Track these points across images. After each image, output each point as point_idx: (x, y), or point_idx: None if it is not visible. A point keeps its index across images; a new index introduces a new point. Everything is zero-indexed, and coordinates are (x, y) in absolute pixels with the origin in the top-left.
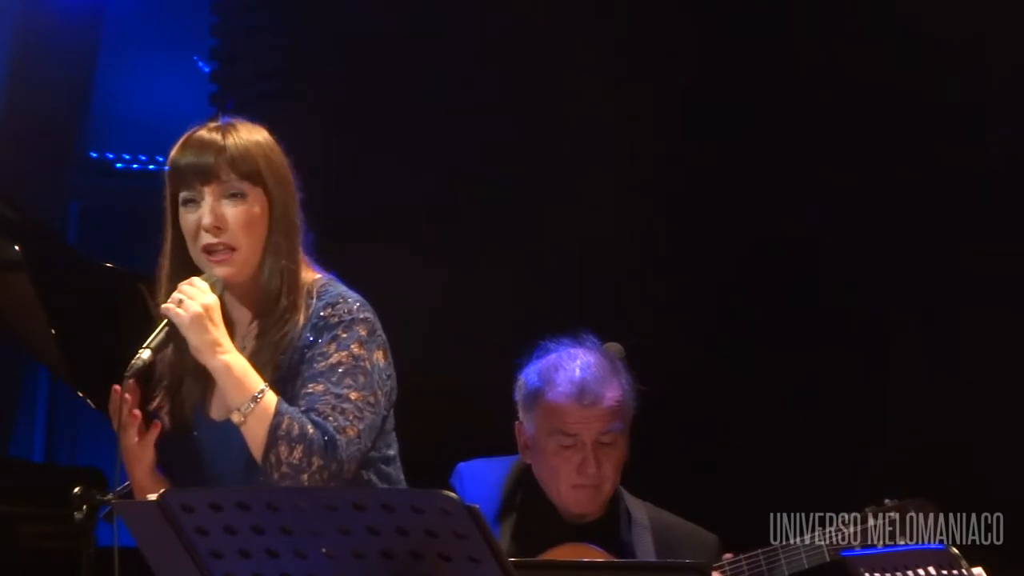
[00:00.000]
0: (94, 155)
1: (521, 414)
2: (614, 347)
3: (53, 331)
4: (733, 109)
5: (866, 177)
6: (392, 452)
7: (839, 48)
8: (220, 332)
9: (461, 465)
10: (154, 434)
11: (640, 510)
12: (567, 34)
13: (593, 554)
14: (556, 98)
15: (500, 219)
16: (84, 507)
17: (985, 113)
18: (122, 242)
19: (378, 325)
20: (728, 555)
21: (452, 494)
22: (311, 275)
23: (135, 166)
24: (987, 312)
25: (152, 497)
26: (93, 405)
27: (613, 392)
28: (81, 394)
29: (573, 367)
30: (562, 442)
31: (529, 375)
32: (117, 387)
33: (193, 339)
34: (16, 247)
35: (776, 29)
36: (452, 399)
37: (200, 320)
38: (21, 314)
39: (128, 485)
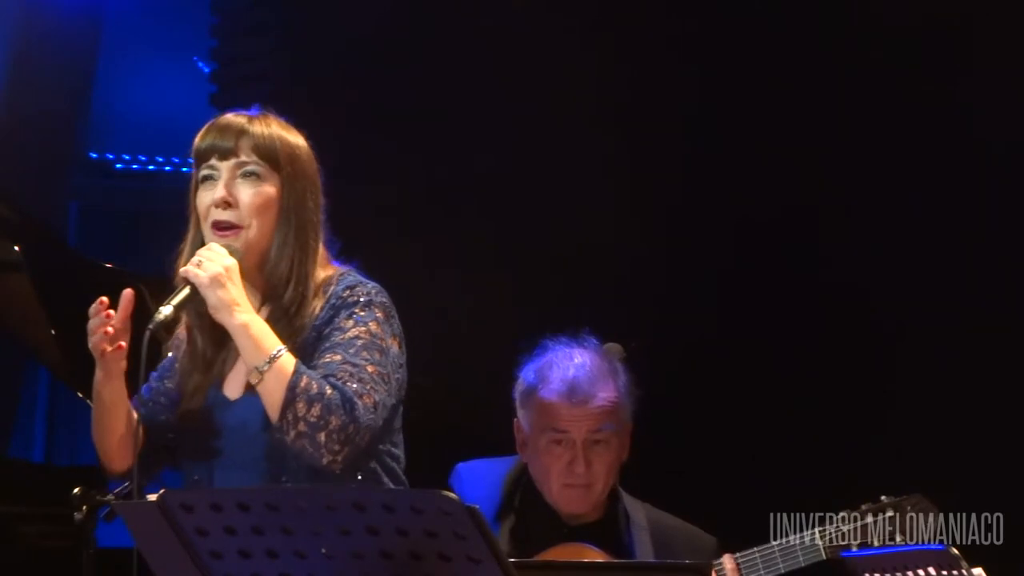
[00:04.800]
0: (94, 155)
1: (518, 411)
2: (614, 348)
3: (53, 331)
4: (733, 110)
5: (867, 178)
6: (397, 451)
7: (839, 49)
8: (239, 292)
9: (460, 465)
10: (121, 349)
11: (639, 511)
12: (568, 36)
13: (591, 554)
14: (557, 98)
15: (501, 219)
16: (84, 507)
17: (988, 111)
18: (122, 242)
19: (395, 313)
20: (726, 559)
21: (452, 494)
22: (331, 269)
23: (135, 166)
24: (987, 312)
25: (152, 497)
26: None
27: (606, 392)
28: (81, 394)
29: (568, 366)
30: (553, 438)
31: (526, 372)
32: (104, 299)
33: (211, 298)
34: (16, 247)
35: (773, 30)
36: (452, 399)
37: (219, 279)
38: (21, 314)
39: (128, 485)
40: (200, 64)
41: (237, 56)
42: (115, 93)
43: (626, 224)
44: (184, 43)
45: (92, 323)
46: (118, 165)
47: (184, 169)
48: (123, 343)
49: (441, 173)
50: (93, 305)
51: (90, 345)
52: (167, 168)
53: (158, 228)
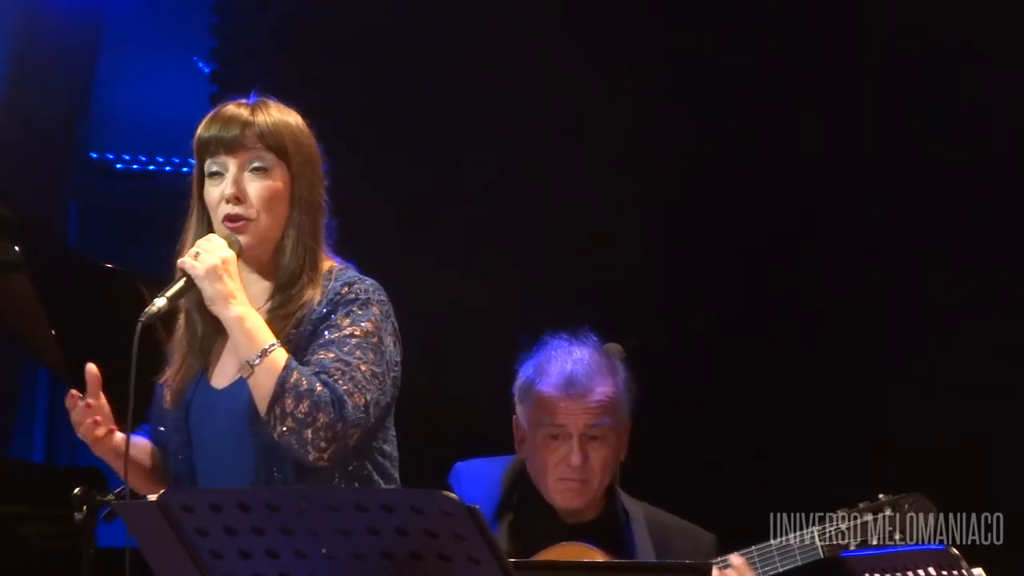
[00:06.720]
0: (94, 155)
1: (517, 407)
2: (614, 347)
3: (53, 332)
4: (735, 110)
5: (866, 180)
6: (389, 447)
7: (839, 51)
8: (235, 285)
9: (459, 465)
10: (107, 427)
11: (637, 509)
12: (572, 35)
13: (590, 553)
14: (560, 98)
15: (501, 218)
16: (84, 507)
17: (983, 112)
18: (122, 242)
19: (392, 312)
20: (733, 557)
21: (452, 495)
22: (329, 262)
23: (135, 166)
24: (986, 312)
25: (152, 497)
26: None
27: (604, 387)
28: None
29: (566, 360)
30: (550, 433)
31: (525, 368)
32: (75, 392)
33: (208, 290)
34: (16, 247)
35: (774, 32)
36: (451, 398)
37: (216, 271)
38: (21, 315)
39: (129, 485)
40: (200, 64)
41: (237, 56)
42: (115, 93)
43: (627, 223)
44: (184, 43)
45: (74, 417)
46: (118, 165)
47: (184, 169)
48: (112, 427)
49: (441, 172)
50: (67, 400)
51: (81, 437)
52: (167, 168)
53: (158, 228)
